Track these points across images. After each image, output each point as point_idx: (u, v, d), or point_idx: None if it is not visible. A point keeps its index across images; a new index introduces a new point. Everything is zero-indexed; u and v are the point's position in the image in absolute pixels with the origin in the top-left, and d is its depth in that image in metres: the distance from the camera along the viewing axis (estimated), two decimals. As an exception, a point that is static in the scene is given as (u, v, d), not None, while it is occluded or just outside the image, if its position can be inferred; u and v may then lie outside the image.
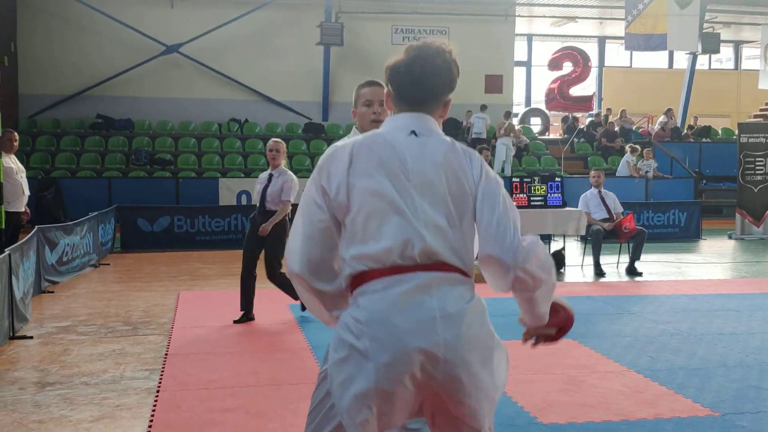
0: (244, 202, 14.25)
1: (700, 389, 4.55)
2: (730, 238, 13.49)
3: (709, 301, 7.48)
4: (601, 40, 24.20)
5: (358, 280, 1.97)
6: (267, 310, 6.90)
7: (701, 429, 3.95)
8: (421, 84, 2.11)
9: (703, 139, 19.90)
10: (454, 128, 19.06)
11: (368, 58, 19.03)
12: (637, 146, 16.57)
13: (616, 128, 19.71)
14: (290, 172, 6.57)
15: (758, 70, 20.78)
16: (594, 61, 22.82)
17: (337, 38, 17.94)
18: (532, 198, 9.65)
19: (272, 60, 18.42)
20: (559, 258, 9.79)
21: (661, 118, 20.48)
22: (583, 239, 10.47)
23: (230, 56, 18.34)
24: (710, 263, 10.60)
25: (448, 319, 1.90)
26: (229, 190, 14.52)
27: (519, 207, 9.87)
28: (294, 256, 2.02)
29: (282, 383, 4.70)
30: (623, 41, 19.58)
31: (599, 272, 9.19)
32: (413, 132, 2.06)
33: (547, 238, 11.04)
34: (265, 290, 8.15)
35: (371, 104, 3.31)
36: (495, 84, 19.88)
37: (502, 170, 16.58)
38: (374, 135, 2.08)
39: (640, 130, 21.04)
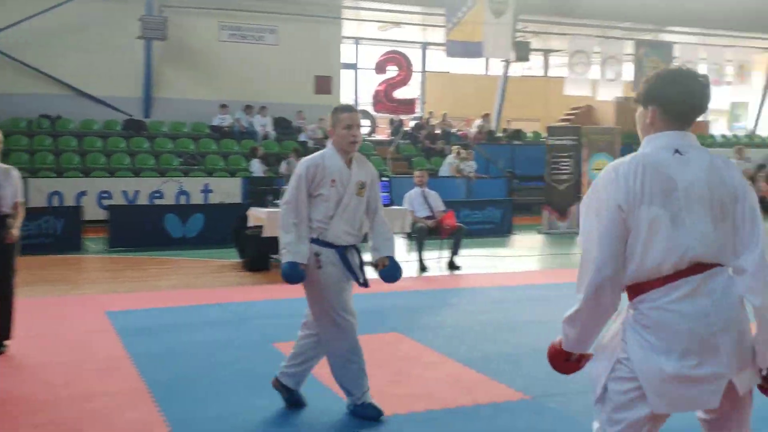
0: (56, 203, 13.35)
1: (513, 374, 4.84)
2: (538, 233, 14.49)
3: (521, 291, 7.99)
4: (424, 46, 25.09)
5: (635, 290, 2.31)
6: (80, 318, 6.49)
7: (515, 412, 4.21)
8: (694, 105, 2.36)
9: (515, 142, 21.22)
10: (284, 128, 18.99)
11: (195, 54, 18.46)
12: (461, 148, 17.35)
13: (438, 131, 20.53)
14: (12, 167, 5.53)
15: (564, 77, 22.47)
16: (417, 65, 23.62)
17: (159, 32, 17.22)
18: (358, 197, 9.80)
19: (88, 53, 17.31)
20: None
21: (478, 122, 21.60)
22: (408, 236, 10.80)
23: (42, 48, 17.00)
24: (522, 256, 11.32)
25: (718, 305, 2.25)
26: (39, 191, 13.48)
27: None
28: (605, 269, 2.28)
29: (96, 395, 4.43)
30: (444, 47, 20.41)
31: (423, 267, 9.52)
32: (677, 151, 2.31)
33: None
34: (77, 297, 7.67)
35: (351, 127, 3.84)
36: (324, 85, 20.00)
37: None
38: (644, 160, 2.30)
39: (460, 132, 22.04)
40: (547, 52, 27.26)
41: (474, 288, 8.35)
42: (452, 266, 9.62)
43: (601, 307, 2.31)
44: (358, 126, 3.92)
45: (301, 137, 18.26)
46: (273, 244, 9.50)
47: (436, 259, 10.09)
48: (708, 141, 23.42)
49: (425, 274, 9.34)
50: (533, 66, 27.68)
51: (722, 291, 2.26)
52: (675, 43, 22.87)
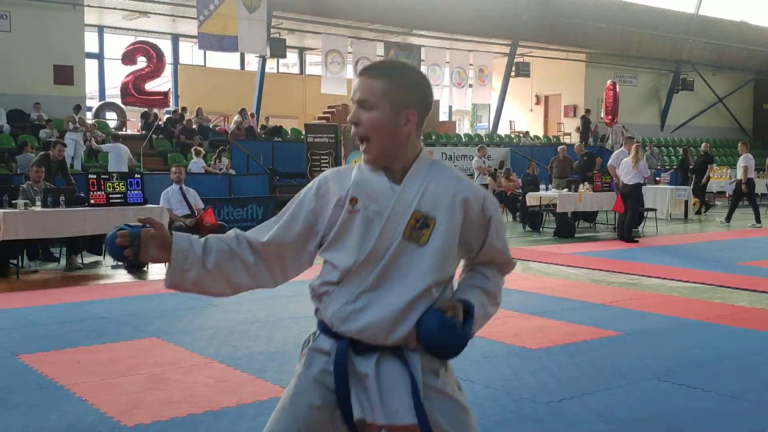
0: None
1: (279, 371, 4.83)
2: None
3: (284, 288, 8.00)
4: (175, 37, 24.22)
5: None
6: None
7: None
8: None
9: (275, 138, 21.28)
10: (21, 120, 17.32)
11: None
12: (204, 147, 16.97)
13: (194, 126, 19.95)
14: None
15: (320, 76, 22.93)
16: (169, 57, 22.76)
17: None
18: (111, 195, 9.28)
19: None
20: (140, 257, 9.57)
21: (236, 117, 21.33)
22: (165, 236, 10.37)
23: None
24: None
25: None
26: None
27: (97, 205, 9.34)
28: None
29: None
30: (197, 40, 19.87)
31: (182, 268, 9.21)
32: None
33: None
34: None
35: None
36: (65, 75, 18.52)
37: (72, 166, 15.54)
38: None
39: (218, 128, 21.62)
40: (302, 50, 27.67)
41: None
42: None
43: None
44: None
45: (42, 133, 16.72)
46: (12, 248, 8.60)
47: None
48: (454, 140, 25.32)
49: (185, 274, 9.03)
50: (289, 63, 27.98)
51: None
52: (423, 46, 24.37)
